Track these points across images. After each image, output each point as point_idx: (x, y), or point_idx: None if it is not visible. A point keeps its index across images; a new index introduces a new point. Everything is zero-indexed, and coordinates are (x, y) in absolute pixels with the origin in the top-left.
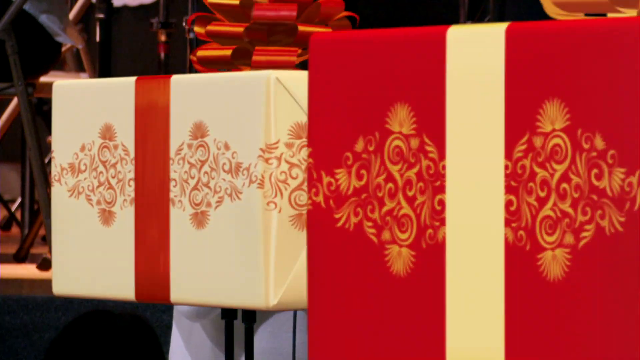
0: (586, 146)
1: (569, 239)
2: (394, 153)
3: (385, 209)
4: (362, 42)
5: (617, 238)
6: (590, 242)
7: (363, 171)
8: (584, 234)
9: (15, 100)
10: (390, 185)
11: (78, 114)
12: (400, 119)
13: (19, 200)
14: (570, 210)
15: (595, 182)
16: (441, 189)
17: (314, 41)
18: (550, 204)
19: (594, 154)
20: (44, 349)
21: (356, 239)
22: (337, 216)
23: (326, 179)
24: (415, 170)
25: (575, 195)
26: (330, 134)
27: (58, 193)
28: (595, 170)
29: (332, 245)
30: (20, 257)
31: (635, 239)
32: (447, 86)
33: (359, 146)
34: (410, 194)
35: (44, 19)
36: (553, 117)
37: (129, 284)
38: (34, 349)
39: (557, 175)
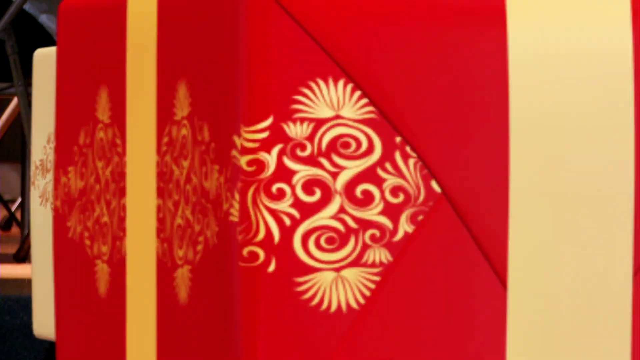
0: (199, 138)
1: (191, 253)
2: (99, 147)
3: (95, 215)
4: (101, 11)
5: (215, 253)
6: (202, 258)
7: (84, 169)
8: (199, 247)
9: (15, 100)
10: (97, 186)
11: (51, 94)
12: (103, 105)
13: (19, 200)
14: (191, 218)
15: (204, 183)
16: (124, 191)
17: (62, 10)
18: (180, 209)
19: (204, 147)
20: (44, 349)
21: (79, 252)
22: (68, 224)
23: (62, 179)
24: (110, 168)
25: (194, 199)
26: (68, 123)
27: (33, 200)
28: (204, 168)
29: (66, 260)
30: (20, 257)
31: (227, 256)
32: (128, 62)
33: (81, 139)
34: (108, 197)
35: (44, 19)
36: (182, 102)
37: None
38: (34, 349)
39: (184, 174)
